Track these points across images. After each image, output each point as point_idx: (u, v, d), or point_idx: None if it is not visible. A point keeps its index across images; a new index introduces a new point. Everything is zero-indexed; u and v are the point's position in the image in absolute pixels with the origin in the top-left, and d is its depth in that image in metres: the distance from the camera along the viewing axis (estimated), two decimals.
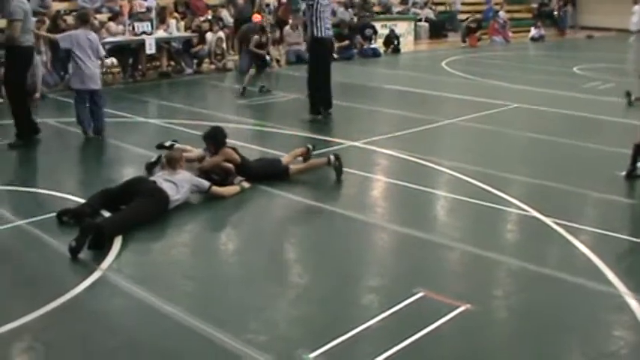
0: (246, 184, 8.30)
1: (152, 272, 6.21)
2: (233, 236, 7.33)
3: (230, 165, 8.39)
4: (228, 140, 8.67)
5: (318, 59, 12.03)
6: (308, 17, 11.86)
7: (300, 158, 9.16)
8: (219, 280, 6.08)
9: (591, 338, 5.12)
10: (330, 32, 11.80)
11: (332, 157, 8.73)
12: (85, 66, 10.59)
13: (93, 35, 10.90)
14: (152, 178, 7.70)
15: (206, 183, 7.96)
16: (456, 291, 5.72)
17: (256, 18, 19.08)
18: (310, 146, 9.33)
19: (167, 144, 9.40)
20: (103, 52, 11.24)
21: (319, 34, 11.64)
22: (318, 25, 11.56)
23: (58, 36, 11.64)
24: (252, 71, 15.12)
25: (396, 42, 24.47)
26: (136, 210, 7.10)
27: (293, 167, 8.73)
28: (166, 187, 7.44)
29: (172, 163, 7.85)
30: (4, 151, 9.99)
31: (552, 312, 5.44)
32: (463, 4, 32.91)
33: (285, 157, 8.97)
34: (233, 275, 6.24)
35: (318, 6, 11.58)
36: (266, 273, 6.11)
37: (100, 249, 6.35)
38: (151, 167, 8.74)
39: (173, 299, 5.49)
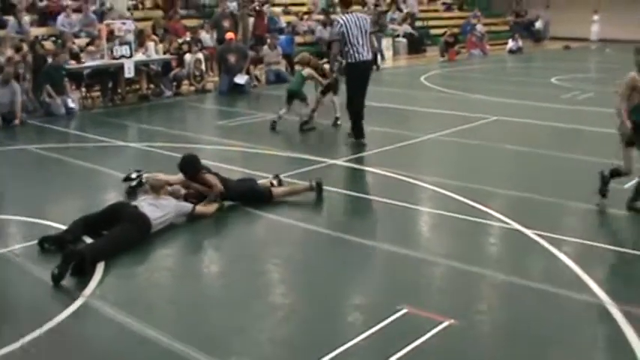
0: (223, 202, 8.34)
1: (135, 297, 6.19)
2: (216, 258, 7.32)
3: (219, 188, 8.31)
4: (210, 163, 8.65)
5: (352, 83, 11.91)
6: (342, 46, 11.75)
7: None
8: (203, 303, 6.05)
9: (575, 349, 5.14)
10: (363, 56, 11.62)
11: (313, 182, 8.73)
12: None
13: None
14: (134, 203, 7.67)
15: (189, 205, 7.97)
16: (439, 307, 5.73)
17: (229, 36, 19.10)
18: (275, 182, 9.08)
19: (133, 176, 9.19)
20: None
21: (351, 60, 11.59)
22: (351, 52, 11.49)
23: None
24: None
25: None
26: (118, 236, 7.08)
27: (275, 191, 8.70)
28: (148, 210, 7.42)
29: (156, 189, 7.83)
30: None
31: (536, 324, 5.45)
32: (439, 19, 33.16)
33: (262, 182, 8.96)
34: (217, 297, 6.22)
35: (348, 33, 11.47)
36: (250, 294, 6.09)
37: (83, 276, 6.31)
38: (131, 192, 8.72)
39: (157, 324, 5.46)
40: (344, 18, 11.56)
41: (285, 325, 5.56)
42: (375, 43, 11.91)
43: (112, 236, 7.08)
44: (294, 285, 6.42)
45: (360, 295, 6.13)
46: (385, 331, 5.28)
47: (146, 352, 5.12)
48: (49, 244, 7.09)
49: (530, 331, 5.34)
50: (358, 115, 11.82)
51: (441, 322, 5.35)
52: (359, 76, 11.71)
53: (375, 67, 23.94)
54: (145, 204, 7.53)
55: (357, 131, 11.84)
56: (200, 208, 8.06)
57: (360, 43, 11.45)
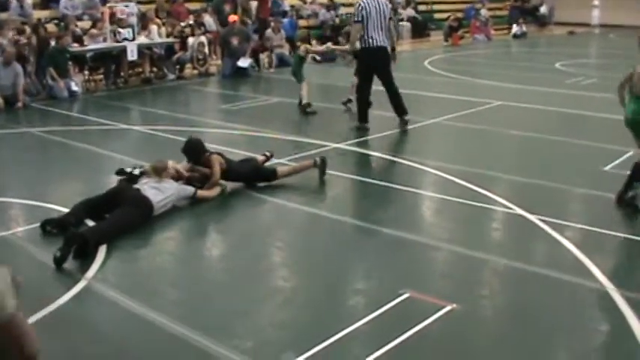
0: (226, 185, 8.34)
1: (137, 280, 6.19)
2: (218, 242, 7.32)
3: (217, 177, 8.28)
4: (213, 146, 8.64)
5: (364, 69, 11.89)
6: (360, 28, 11.59)
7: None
8: (204, 286, 6.06)
9: (578, 334, 5.13)
10: (378, 42, 11.43)
11: (317, 159, 8.76)
12: None
13: None
14: (136, 186, 7.66)
15: (191, 189, 7.96)
16: (441, 291, 5.72)
17: (232, 19, 19.06)
18: (268, 153, 9.34)
19: (128, 170, 9.09)
20: None
21: (365, 45, 11.49)
22: (366, 36, 11.42)
23: None
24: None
25: None
26: (121, 219, 7.07)
27: (280, 170, 8.71)
28: (151, 193, 7.42)
29: (158, 171, 7.82)
30: None
31: (539, 309, 5.45)
32: (443, 2, 33.02)
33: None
34: (218, 281, 6.23)
35: (367, 17, 11.33)
36: (252, 278, 6.09)
37: (85, 258, 6.32)
38: (132, 180, 8.67)
39: (159, 307, 5.46)
40: (365, 1, 11.46)
41: (287, 309, 5.56)
42: (394, 31, 11.62)
43: (115, 219, 7.08)
44: (296, 269, 6.42)
45: (362, 280, 6.13)
46: (387, 316, 5.28)
47: (148, 335, 5.12)
48: (51, 226, 7.09)
49: (532, 316, 5.34)
50: (365, 100, 11.76)
51: (443, 307, 5.35)
52: (372, 61, 11.64)
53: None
54: (147, 187, 7.52)
55: (362, 115, 11.80)
56: (202, 192, 8.05)
57: (377, 28, 11.37)
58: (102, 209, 7.37)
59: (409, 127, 11.79)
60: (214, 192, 8.17)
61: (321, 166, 8.73)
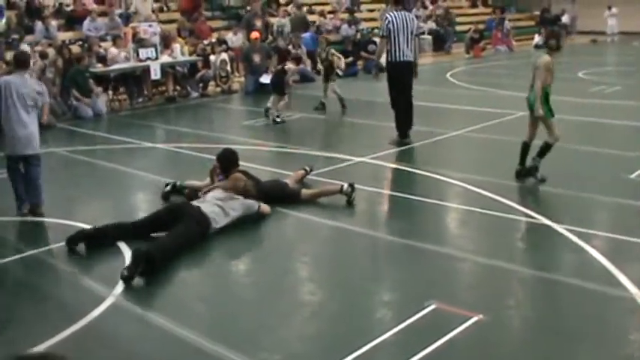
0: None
1: (165, 296, 6.23)
2: (244, 256, 7.35)
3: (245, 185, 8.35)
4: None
5: (393, 83, 11.74)
6: (386, 43, 11.56)
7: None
8: (232, 300, 6.09)
9: (605, 342, 5.11)
10: (404, 57, 11.38)
11: (345, 186, 8.53)
12: (17, 125, 8.33)
13: (30, 82, 8.61)
14: (197, 203, 7.69)
15: (255, 204, 8.02)
16: (468, 302, 5.72)
17: (254, 35, 19.16)
18: (308, 168, 9.40)
19: (168, 188, 8.87)
20: (46, 99, 8.74)
21: (391, 59, 11.47)
22: (392, 50, 11.40)
23: None
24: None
25: None
26: (183, 235, 7.08)
27: (305, 192, 8.68)
28: (212, 211, 7.48)
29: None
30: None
31: (566, 318, 5.44)
32: (463, 15, 32.99)
33: (288, 180, 8.94)
34: (246, 295, 6.25)
35: (393, 31, 11.30)
36: (279, 292, 6.12)
37: (152, 276, 6.35)
38: (166, 197, 8.69)
39: (187, 322, 5.50)
40: (393, 15, 11.44)
41: (314, 322, 5.58)
42: (417, 46, 11.51)
43: (176, 235, 7.07)
44: (322, 282, 6.43)
45: (389, 292, 6.14)
46: (414, 327, 5.28)
47: (175, 350, 5.15)
48: (81, 241, 7.15)
49: (559, 325, 5.32)
50: (402, 115, 11.70)
51: (469, 318, 5.34)
52: (398, 75, 11.56)
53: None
54: (209, 204, 7.57)
55: (400, 130, 11.70)
56: (265, 206, 8.13)
57: (403, 42, 11.36)
58: (161, 226, 7.38)
59: (433, 139, 11.79)
60: (269, 207, 8.20)
61: (349, 192, 8.46)
